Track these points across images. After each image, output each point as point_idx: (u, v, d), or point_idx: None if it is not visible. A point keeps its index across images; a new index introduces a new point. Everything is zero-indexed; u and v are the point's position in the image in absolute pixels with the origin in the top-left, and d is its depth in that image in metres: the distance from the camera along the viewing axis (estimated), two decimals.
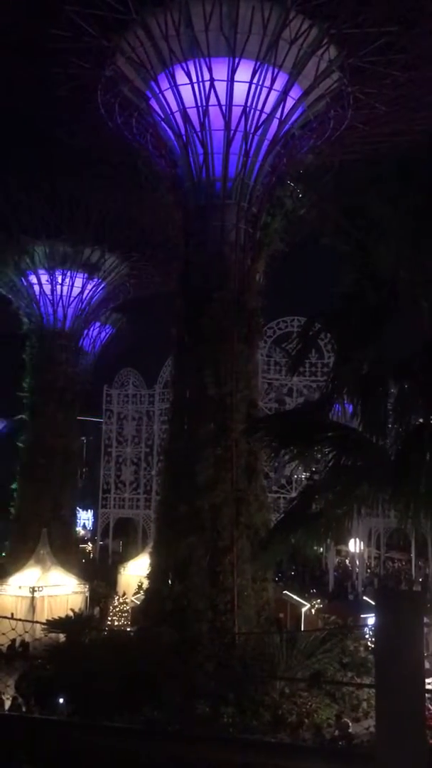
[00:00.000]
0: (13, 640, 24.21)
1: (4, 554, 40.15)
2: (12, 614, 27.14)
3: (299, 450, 11.84)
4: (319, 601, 29.18)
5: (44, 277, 41.08)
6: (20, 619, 25.44)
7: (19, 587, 29.10)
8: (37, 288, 41.33)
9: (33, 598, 28.31)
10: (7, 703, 19.28)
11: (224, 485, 23.55)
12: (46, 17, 23.30)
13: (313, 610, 28.09)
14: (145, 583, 26.83)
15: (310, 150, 28.58)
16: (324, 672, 20.21)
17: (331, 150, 29.19)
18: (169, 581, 23.79)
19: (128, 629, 27.83)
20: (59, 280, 41.06)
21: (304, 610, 27.81)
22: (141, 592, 28.94)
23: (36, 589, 28.57)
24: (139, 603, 28.26)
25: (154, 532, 29.40)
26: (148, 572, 26.06)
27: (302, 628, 26.77)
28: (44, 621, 25.07)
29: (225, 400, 24.24)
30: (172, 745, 3.50)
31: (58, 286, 41.21)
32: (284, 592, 28.71)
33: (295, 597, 28.53)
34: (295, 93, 25.76)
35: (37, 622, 25.34)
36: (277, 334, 37.26)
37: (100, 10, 23.35)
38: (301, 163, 29.08)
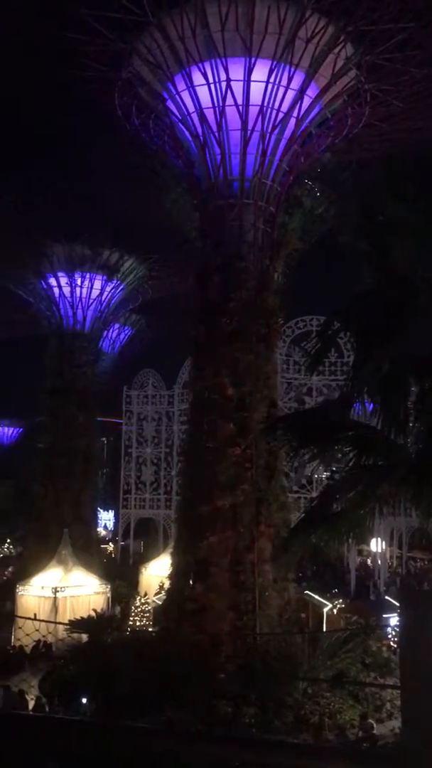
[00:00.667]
0: (38, 641, 24.42)
1: (27, 554, 40.37)
2: (35, 615, 27.35)
3: (319, 449, 11.79)
4: (341, 601, 29.04)
5: (63, 280, 41.34)
6: (43, 620, 25.64)
7: (42, 588, 29.29)
8: (56, 290, 41.59)
9: (55, 598, 28.49)
10: (31, 703, 19.42)
11: (244, 485, 23.52)
12: (63, 21, 23.44)
13: (335, 610, 27.96)
14: (167, 583, 26.89)
15: (327, 148, 28.48)
16: (346, 672, 20.13)
17: (349, 148, 29.06)
18: (190, 581, 23.82)
19: (150, 629, 27.91)
20: (78, 282, 41.29)
21: (325, 610, 27.68)
22: (162, 592, 29.02)
23: (58, 589, 28.74)
24: (160, 603, 28.33)
25: (175, 532, 29.47)
26: (169, 572, 26.12)
27: (324, 629, 26.67)
28: (67, 621, 25.23)
29: (244, 400, 24.22)
30: (196, 745, 3.51)
31: (78, 288, 41.44)
32: (306, 592, 28.62)
33: (316, 597, 28.41)
34: (311, 91, 25.69)
35: (59, 623, 25.50)
36: (296, 334, 37.14)
37: (117, 12, 23.44)
38: (318, 161, 28.98)
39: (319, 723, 17.75)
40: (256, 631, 22.24)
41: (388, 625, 24.06)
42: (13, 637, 27.53)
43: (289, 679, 19.20)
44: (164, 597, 27.14)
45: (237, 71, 24.66)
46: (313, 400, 35.98)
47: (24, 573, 34.54)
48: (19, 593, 30.07)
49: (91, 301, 42.04)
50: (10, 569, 42.76)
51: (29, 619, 22.85)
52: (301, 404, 35.95)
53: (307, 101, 25.73)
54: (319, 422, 12.38)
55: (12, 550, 50.27)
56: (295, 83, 25.16)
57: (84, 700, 18.46)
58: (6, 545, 50.62)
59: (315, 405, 34.00)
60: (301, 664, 19.66)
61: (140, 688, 17.22)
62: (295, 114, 25.63)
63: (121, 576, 37.78)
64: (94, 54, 25.17)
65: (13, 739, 4.05)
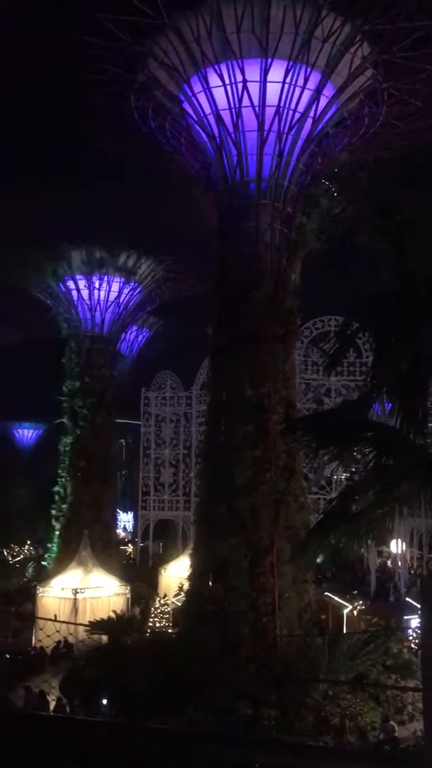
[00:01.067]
0: (58, 642, 24.56)
1: (48, 557, 40.58)
2: (55, 616, 27.49)
3: (339, 450, 11.73)
4: (361, 602, 28.89)
5: (82, 283, 41.53)
6: (64, 621, 25.76)
7: (62, 589, 29.44)
8: (75, 293, 41.80)
9: (75, 599, 28.61)
10: (52, 704, 19.52)
11: (263, 486, 23.48)
12: (79, 25, 23.57)
13: (355, 612, 27.83)
14: (186, 585, 26.90)
15: (344, 148, 28.36)
16: (367, 674, 20.03)
17: (366, 147, 28.91)
18: (210, 583, 23.81)
19: (169, 631, 27.94)
20: (96, 285, 41.45)
21: (345, 611, 27.56)
22: (182, 593, 29.04)
23: (78, 590, 28.87)
24: (179, 604, 28.35)
25: (194, 533, 29.47)
26: (188, 574, 26.13)
27: (344, 630, 26.54)
28: (87, 623, 25.32)
29: (262, 401, 24.18)
30: (217, 747, 3.50)
31: (96, 291, 41.60)
32: (325, 593, 28.50)
33: (336, 598, 28.29)
34: (328, 91, 25.60)
35: (79, 624, 25.61)
36: (314, 334, 37.05)
37: (132, 16, 23.52)
38: (335, 161, 28.88)
39: (340, 725, 17.66)
40: (276, 632, 22.17)
41: (409, 627, 23.91)
42: (34, 638, 27.70)
43: (309, 680, 19.13)
44: (184, 598, 27.15)
45: (253, 72, 24.64)
46: (331, 401, 35.87)
47: (44, 574, 34.74)
48: (40, 594, 30.24)
49: (109, 303, 42.20)
50: (30, 570, 43.00)
51: (50, 620, 22.98)
52: (319, 405, 35.86)
53: (323, 101, 25.64)
54: (338, 423, 12.32)
55: (32, 552, 50.55)
56: (312, 83, 25.08)
57: (104, 701, 18.52)
58: (26, 546, 50.91)
59: (334, 405, 33.89)
60: (321, 665, 19.58)
61: (160, 689, 17.24)
62: (311, 114, 25.55)
63: (141, 577, 37.88)
64: (110, 57, 25.27)
65: (34, 740, 4.07)
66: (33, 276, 41.64)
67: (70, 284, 41.61)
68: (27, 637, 29.23)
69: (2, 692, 19.29)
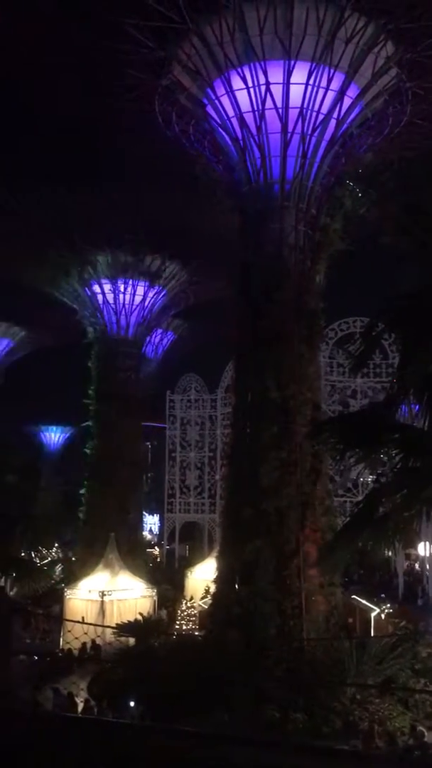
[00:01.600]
0: (84, 643, 24.70)
1: (75, 560, 40.86)
2: (82, 618, 27.67)
3: (365, 452, 11.69)
4: (388, 605, 28.65)
5: (107, 287, 41.80)
6: (92, 624, 25.91)
7: (89, 591, 29.61)
8: (100, 297, 42.09)
9: (102, 602, 28.76)
10: (80, 706, 19.63)
11: (289, 489, 23.41)
12: (104, 31, 23.76)
13: (382, 615, 27.61)
14: (212, 588, 26.90)
15: (368, 148, 28.21)
16: (395, 679, 19.84)
17: (391, 147, 28.73)
18: (236, 585, 23.78)
19: (196, 633, 27.96)
20: (121, 288, 41.69)
21: (373, 615, 27.35)
22: (208, 596, 29.05)
23: (105, 593, 29.02)
24: (206, 607, 28.36)
25: (220, 536, 29.48)
26: (214, 576, 26.13)
27: (372, 634, 26.33)
28: (114, 625, 25.44)
29: (287, 403, 24.11)
30: (244, 750, 3.50)
31: (121, 295, 41.85)
32: (352, 596, 28.31)
33: (363, 602, 28.09)
34: (352, 92, 25.49)
35: (107, 626, 25.74)
36: (339, 336, 36.88)
37: (156, 21, 23.66)
38: (360, 162, 28.73)
39: (368, 730, 17.53)
40: (303, 635, 22.07)
41: None
42: (62, 640, 27.89)
43: (337, 684, 19.01)
44: (210, 601, 27.15)
45: (276, 74, 24.63)
46: (357, 403, 35.66)
47: (72, 577, 34.96)
48: (67, 597, 30.45)
49: (134, 307, 42.42)
50: (58, 573, 43.30)
51: (78, 622, 23.13)
52: (345, 407, 35.65)
53: (347, 102, 25.55)
54: (365, 425, 12.27)
55: (60, 554, 50.91)
56: (335, 84, 25.00)
57: (132, 703, 18.59)
58: (54, 549, 51.28)
59: (360, 407, 33.69)
60: (349, 669, 19.44)
61: (187, 692, 17.25)
62: (335, 115, 25.47)
63: (167, 580, 37.96)
64: (135, 63, 25.44)
65: (64, 742, 4.10)
66: (59, 280, 42.03)
67: (96, 288, 41.91)
68: (55, 639, 29.44)
69: (31, 694, 19.44)
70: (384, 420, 11.71)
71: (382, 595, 31.49)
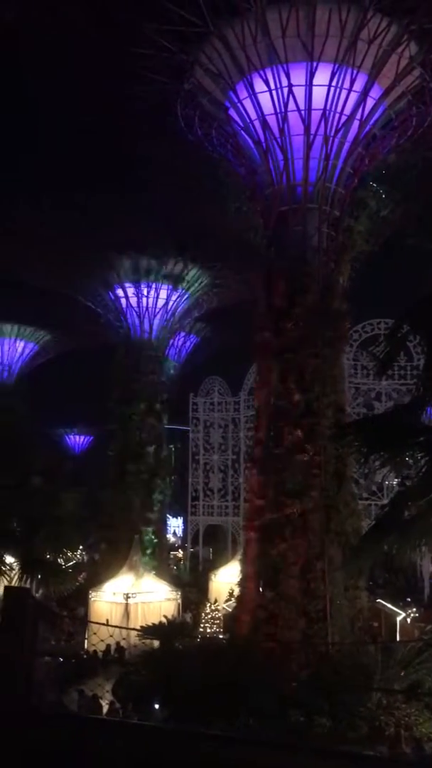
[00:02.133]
0: (109, 645, 24.78)
1: (100, 562, 41.03)
2: (107, 620, 27.78)
3: (390, 455, 11.59)
4: (414, 609, 28.40)
5: (130, 290, 42.00)
6: (117, 626, 26.01)
7: (114, 594, 29.73)
8: (123, 301, 42.30)
9: (127, 604, 28.85)
10: (105, 708, 19.69)
11: (313, 492, 23.30)
12: (126, 36, 23.90)
13: (408, 619, 27.36)
14: (236, 591, 26.85)
15: (392, 149, 28.04)
16: (422, 683, 19.61)
17: (414, 148, 28.52)
18: (260, 589, 23.71)
19: (220, 636, 27.92)
20: (145, 292, 41.87)
21: (399, 619, 27.13)
22: (232, 599, 29.00)
23: (130, 595, 29.10)
24: (230, 610, 28.31)
25: (244, 539, 29.41)
26: (238, 579, 26.08)
27: (398, 638, 26.11)
28: (138, 627, 25.51)
29: (311, 406, 24.01)
30: (271, 754, 3.48)
31: (144, 299, 42.02)
32: (378, 600, 28.10)
33: (389, 606, 27.88)
34: (375, 93, 25.36)
35: (131, 628, 25.81)
36: (364, 338, 36.68)
37: (178, 25, 23.75)
38: (383, 163, 28.56)
39: (395, 735, 17.36)
40: (328, 640, 21.94)
41: None
42: (86, 642, 28.01)
43: (362, 689, 18.85)
44: (234, 604, 27.11)
45: (299, 76, 24.58)
46: (382, 405, 35.42)
47: (96, 579, 35.14)
48: (92, 599, 30.60)
49: (157, 310, 42.57)
50: (82, 575, 43.53)
51: (102, 624, 23.22)
52: (369, 409, 35.45)
53: (370, 103, 25.42)
54: (390, 427, 12.16)
55: (84, 556, 51.20)
56: (358, 85, 24.89)
57: (156, 706, 18.61)
58: (79, 551, 51.58)
59: (385, 410, 33.45)
60: (375, 674, 19.27)
61: (212, 695, 17.23)
62: (358, 116, 25.35)
63: (191, 583, 37.99)
64: (157, 67, 25.56)
65: (89, 744, 4.11)
66: (84, 285, 42.34)
67: (119, 292, 42.13)
68: (80, 641, 29.59)
69: (57, 695, 19.56)
70: (409, 422, 11.60)
71: (408, 599, 31.25)
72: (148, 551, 37.16)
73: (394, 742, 17.03)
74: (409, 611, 27.91)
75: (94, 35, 24.45)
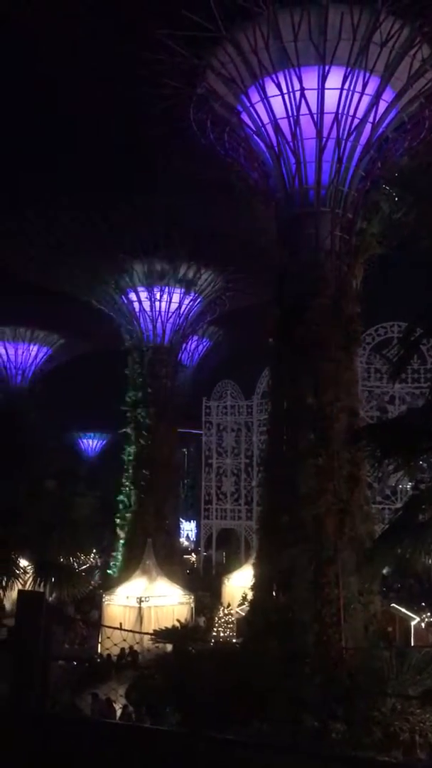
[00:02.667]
0: (122, 649, 24.81)
1: (113, 566, 41.07)
2: (120, 624, 27.79)
3: (404, 459, 11.55)
4: (429, 614, 28.21)
5: (143, 294, 42.13)
6: (130, 630, 26.03)
7: (127, 597, 29.76)
8: (136, 305, 42.43)
9: (140, 608, 28.87)
10: (119, 712, 19.72)
11: (326, 496, 23.22)
12: (139, 42, 24.02)
13: (422, 624, 27.19)
14: (249, 595, 26.81)
15: (405, 152, 27.96)
16: None
17: (428, 151, 28.40)
18: (274, 593, 23.66)
19: (234, 641, 27.87)
20: (157, 296, 41.99)
21: (413, 623, 26.96)
22: (245, 603, 28.95)
23: (143, 599, 29.12)
24: (243, 614, 28.26)
25: (257, 543, 29.37)
26: (251, 583, 26.04)
27: (412, 643, 25.94)
28: (151, 631, 25.52)
29: (324, 410, 23.94)
30: (287, 759, 3.47)
31: (157, 303, 42.13)
32: (392, 605, 27.95)
33: (403, 610, 27.72)
34: (387, 96, 25.31)
35: (145, 632, 25.82)
36: (377, 341, 36.56)
37: (190, 30, 23.82)
38: (396, 165, 28.47)
39: (409, 741, 17.25)
40: (341, 644, 21.84)
41: None
42: (100, 646, 28.06)
43: (377, 694, 18.75)
44: (247, 608, 27.05)
45: (311, 80, 24.58)
46: (395, 409, 35.27)
47: (109, 582, 35.20)
48: (105, 602, 30.64)
49: (169, 314, 42.67)
50: (96, 579, 43.64)
51: (115, 628, 23.24)
52: (383, 413, 35.31)
53: (382, 106, 25.36)
54: (404, 431, 12.12)
55: (98, 560, 51.30)
56: (370, 88, 24.84)
57: (170, 710, 18.58)
58: (92, 555, 51.71)
59: (398, 414, 33.32)
60: (389, 679, 19.16)
61: (225, 700, 17.19)
62: (370, 119, 25.31)
63: (204, 586, 37.96)
64: (169, 72, 25.65)
65: (103, 748, 4.12)
66: (97, 289, 42.52)
67: (132, 296, 42.28)
68: (93, 644, 29.65)
69: (71, 699, 19.59)
70: (423, 426, 11.55)
71: (422, 604, 31.03)
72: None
73: (409, 747, 16.93)
74: (424, 616, 27.73)
75: (107, 40, 24.59)
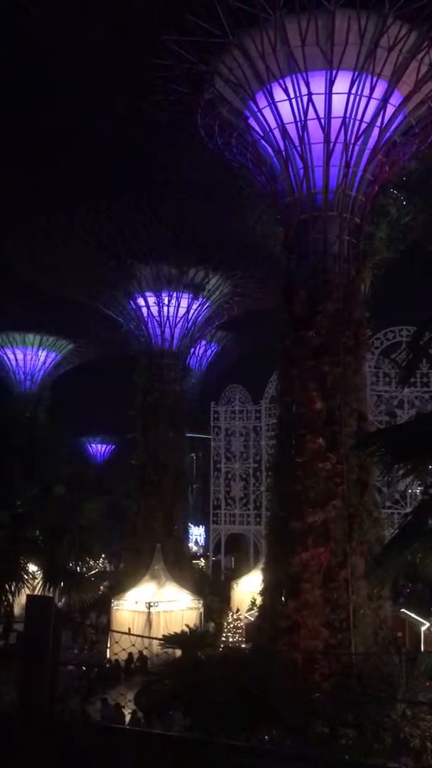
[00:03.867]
0: (130, 654, 24.79)
1: (122, 571, 41.06)
2: (129, 629, 27.79)
3: (413, 464, 11.49)
4: None
5: (151, 299, 42.22)
6: (139, 635, 26.01)
7: (136, 602, 29.73)
8: (144, 310, 42.51)
9: (149, 613, 28.84)
10: (128, 717, 19.68)
11: (335, 500, 23.16)
12: (147, 48, 24.13)
13: None
14: (259, 600, 26.73)
15: (412, 156, 27.94)
16: None
17: None
18: (283, 598, 23.58)
19: (243, 646, 27.79)
20: (166, 301, 42.06)
21: (423, 629, 26.81)
22: (254, 608, 28.87)
23: (152, 604, 29.09)
24: (252, 619, 28.18)
25: (266, 548, 29.29)
26: (261, 588, 25.97)
27: (422, 648, 25.79)
28: (161, 636, 25.48)
29: (333, 414, 23.90)
30: (295, 766, 3.46)
31: (165, 308, 42.21)
32: (402, 610, 27.81)
33: (413, 615, 27.57)
34: (395, 100, 25.30)
35: (154, 638, 25.79)
36: (385, 345, 36.46)
37: (197, 36, 23.91)
38: (404, 170, 28.45)
39: (420, 747, 17.14)
40: (351, 649, 21.74)
41: None
42: (109, 651, 28.04)
43: (387, 700, 18.65)
44: (257, 613, 26.97)
45: (318, 84, 24.61)
46: (404, 413, 35.16)
47: (118, 588, 35.18)
48: (114, 607, 30.63)
49: (178, 319, 42.72)
50: (105, 584, 43.64)
51: (124, 633, 23.24)
52: (392, 417, 35.20)
53: (390, 110, 25.36)
54: (413, 436, 12.07)
55: (107, 565, 51.32)
56: (378, 92, 24.85)
57: (179, 716, 18.54)
58: (101, 560, 51.74)
59: (408, 418, 33.21)
60: (399, 685, 19.05)
61: (234, 705, 17.13)
62: (378, 123, 25.30)
63: (213, 592, 37.87)
64: (177, 77, 25.74)
65: (113, 753, 4.11)
66: (105, 294, 42.64)
67: (140, 301, 42.37)
68: (102, 649, 29.63)
69: (80, 704, 19.58)
70: None
71: None
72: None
73: (420, 754, 16.82)
74: None
75: (115, 46, 24.71)
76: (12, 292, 46.61)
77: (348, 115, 24.85)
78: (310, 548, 22.88)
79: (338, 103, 24.78)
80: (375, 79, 24.49)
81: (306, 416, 24.27)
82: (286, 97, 25.01)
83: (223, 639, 29.68)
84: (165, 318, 42.50)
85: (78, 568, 19.28)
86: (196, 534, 68.38)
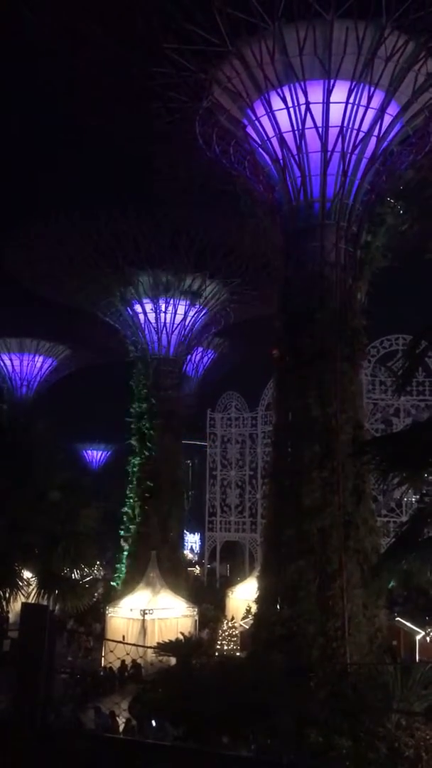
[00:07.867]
0: (123, 661, 24.69)
1: (117, 578, 40.92)
2: (123, 636, 27.69)
3: (409, 472, 11.50)
4: None
5: (149, 306, 42.24)
6: (133, 644, 25.92)
7: (131, 610, 29.64)
8: (142, 316, 42.54)
9: (144, 620, 28.75)
10: (122, 725, 19.59)
11: (331, 508, 23.15)
12: (145, 56, 24.23)
13: (428, 638, 26.99)
14: (254, 608, 26.68)
15: (410, 165, 28.05)
16: None
17: None
18: (278, 606, 23.54)
19: (238, 654, 27.71)
20: (163, 308, 42.09)
21: (418, 638, 26.78)
22: (249, 616, 28.80)
23: (147, 612, 29.00)
24: (247, 627, 28.11)
25: (261, 555, 29.28)
26: (256, 596, 25.92)
27: (417, 657, 25.75)
28: (155, 644, 25.40)
29: (329, 422, 23.92)
30: None
31: (162, 314, 42.24)
32: (397, 618, 27.77)
33: (408, 624, 27.53)
34: (392, 110, 25.43)
35: (148, 646, 25.71)
36: (382, 353, 36.56)
37: (197, 44, 24.02)
38: (401, 179, 28.56)
39: (414, 757, 17.07)
40: (346, 658, 21.68)
41: None
42: (103, 659, 27.92)
43: (382, 709, 18.58)
44: (252, 621, 26.91)
45: (316, 93, 24.73)
46: (400, 421, 35.21)
47: (113, 595, 35.08)
48: (109, 615, 30.53)
49: (175, 326, 42.75)
50: (99, 591, 43.48)
51: (119, 642, 23.17)
52: (388, 425, 35.26)
53: (387, 119, 25.49)
54: (409, 444, 12.08)
55: (102, 572, 51.16)
56: (375, 102, 24.98)
57: (173, 724, 18.45)
58: (96, 567, 51.58)
59: (404, 426, 33.25)
60: (394, 694, 18.99)
61: (229, 714, 17.06)
62: (375, 133, 25.42)
63: (208, 599, 37.78)
64: (176, 86, 25.84)
65: (104, 762, 4.10)
66: (102, 300, 42.66)
67: (137, 308, 42.39)
68: (97, 657, 29.51)
69: (74, 712, 19.48)
70: (428, 440, 11.52)
71: (427, 618, 30.81)
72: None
73: (414, 764, 16.75)
74: (429, 630, 27.53)
75: (114, 55, 24.80)
76: (9, 298, 46.64)
77: (345, 124, 24.97)
78: (306, 556, 22.86)
79: (336, 112, 24.90)
80: (372, 88, 24.62)
81: (302, 424, 24.29)
82: (283, 106, 25.13)
83: (218, 647, 29.59)
84: (162, 325, 42.53)
85: (73, 574, 19.20)
86: (192, 541, 68.28)
